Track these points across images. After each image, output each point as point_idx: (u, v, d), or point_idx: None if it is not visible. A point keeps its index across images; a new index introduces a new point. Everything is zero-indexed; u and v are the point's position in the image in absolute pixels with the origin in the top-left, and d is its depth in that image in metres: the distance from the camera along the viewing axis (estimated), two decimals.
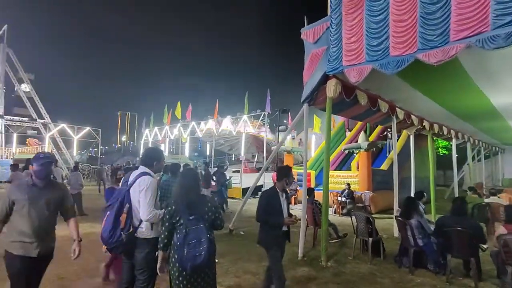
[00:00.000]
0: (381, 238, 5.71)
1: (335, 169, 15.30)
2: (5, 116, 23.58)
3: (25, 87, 26.35)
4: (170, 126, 21.34)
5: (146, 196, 2.66)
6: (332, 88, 5.33)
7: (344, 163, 16.42)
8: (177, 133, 21.34)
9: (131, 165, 12.93)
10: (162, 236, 2.58)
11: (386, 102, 7.05)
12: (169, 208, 2.58)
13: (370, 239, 5.46)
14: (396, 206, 7.31)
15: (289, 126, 14.89)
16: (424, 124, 9.31)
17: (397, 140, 15.77)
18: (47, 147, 23.84)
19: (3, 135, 23.09)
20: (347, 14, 5.06)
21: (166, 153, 22.70)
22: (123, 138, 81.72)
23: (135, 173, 2.81)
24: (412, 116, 8.50)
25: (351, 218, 5.95)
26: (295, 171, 15.31)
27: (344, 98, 5.82)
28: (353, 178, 12.40)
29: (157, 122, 23.82)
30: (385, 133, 16.55)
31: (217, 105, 18.21)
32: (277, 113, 12.17)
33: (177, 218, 2.53)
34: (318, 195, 9.50)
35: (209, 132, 18.96)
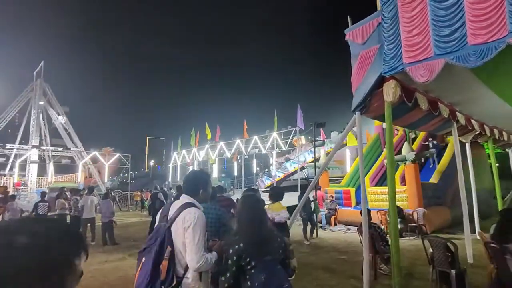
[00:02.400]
0: (465, 270, 4.65)
1: (375, 185, 14.12)
2: (41, 147, 24.65)
3: (61, 119, 27.54)
4: (198, 148, 21.16)
5: (193, 236, 1.99)
6: (391, 91, 4.56)
7: (385, 178, 15.16)
8: (205, 155, 21.07)
9: (159, 190, 12.55)
10: (226, 285, 1.96)
11: (446, 105, 6.12)
12: (236, 247, 1.98)
13: (453, 271, 4.43)
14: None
15: (322, 140, 14.08)
16: (484, 129, 8.17)
17: (444, 149, 14.56)
18: (80, 175, 24.41)
19: (39, 165, 24.05)
20: (404, 5, 4.35)
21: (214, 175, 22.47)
22: (151, 163, 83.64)
23: (176, 205, 2.16)
24: (472, 121, 7.44)
25: (423, 243, 4.95)
26: (331, 189, 14.27)
27: (402, 102, 5.01)
28: (400, 194, 11.21)
29: (184, 145, 23.83)
30: (427, 143, 15.24)
31: (245, 124, 17.82)
32: (311, 127, 11.39)
33: (247, 260, 1.96)
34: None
35: (238, 152, 18.51)
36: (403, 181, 12.23)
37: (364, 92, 4.88)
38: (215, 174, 24.97)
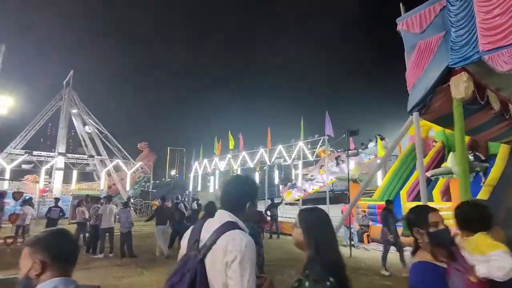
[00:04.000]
0: None
1: (413, 200, 12.93)
2: (66, 154, 25.15)
3: (87, 128, 28.13)
4: (220, 157, 20.67)
5: (241, 275, 1.29)
6: (462, 86, 3.76)
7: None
8: (227, 165, 20.54)
9: (179, 200, 12.00)
10: None
11: None
12: (328, 284, 1.39)
13: None
14: None
15: (355, 150, 13.13)
16: None
17: (485, 161, 13.18)
18: (103, 183, 24.57)
19: (64, 172, 24.49)
20: None
21: (216, 185, 21.90)
22: (172, 173, 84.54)
23: (211, 225, 1.45)
24: None
25: None
26: (363, 203, 13.20)
27: (467, 103, 4.17)
28: (445, 211, 10.02)
29: (206, 154, 23.46)
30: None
31: (268, 133, 17.17)
32: (343, 135, 10.53)
33: None
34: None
35: (261, 162, 17.86)
36: (444, 195, 11.06)
37: (425, 89, 4.10)
38: None
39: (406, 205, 11.28)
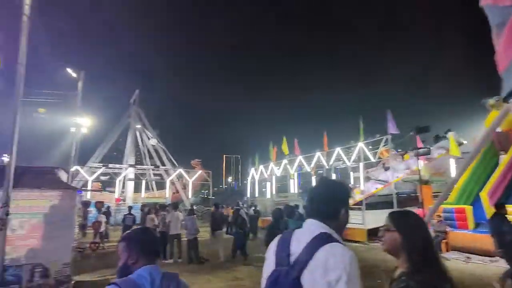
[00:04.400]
0: None
1: (496, 203, 11.22)
2: (135, 166, 27.61)
3: (152, 141, 30.51)
4: (276, 162, 20.64)
5: None
6: None
7: (509, 194, 12.03)
8: (283, 170, 20.40)
9: (240, 207, 12.17)
10: None
11: None
12: None
13: None
14: None
15: (427, 148, 11.87)
16: None
17: None
18: (168, 191, 26.33)
19: (134, 182, 26.92)
20: None
21: (273, 191, 21.85)
22: (229, 179, 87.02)
23: (301, 237, 1.29)
24: None
25: None
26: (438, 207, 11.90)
27: None
28: None
29: (262, 160, 23.62)
30: None
31: (325, 136, 16.64)
32: (411, 133, 9.61)
33: None
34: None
35: (318, 166, 17.35)
36: None
37: None
38: (293, 190, 24.03)
39: (491, 209, 9.84)
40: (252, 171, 24.70)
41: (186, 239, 9.33)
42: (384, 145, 13.73)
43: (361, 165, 14.28)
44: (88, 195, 18.81)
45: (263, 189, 26.91)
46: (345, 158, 15.54)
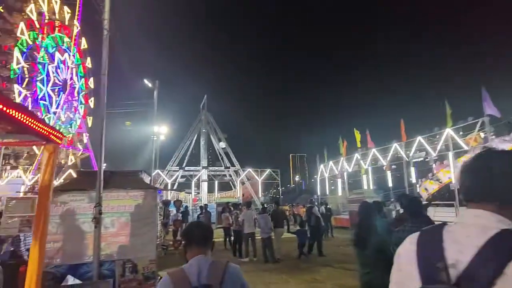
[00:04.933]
0: None
1: None
2: (208, 167, 29.17)
3: (221, 144, 31.87)
4: (347, 158, 19.42)
5: None
6: None
7: None
8: (355, 165, 19.06)
9: (313, 204, 11.61)
10: None
11: None
12: None
13: None
14: None
15: None
16: None
17: None
18: (239, 190, 27.10)
19: (208, 183, 28.46)
20: None
21: (345, 188, 20.63)
22: (296, 178, 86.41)
23: (465, 236, 0.81)
24: None
25: None
26: None
27: None
28: None
29: (331, 156, 22.57)
30: None
31: (402, 125, 14.92)
32: None
33: None
34: None
35: (397, 158, 15.68)
36: None
37: None
38: (366, 186, 22.37)
39: None
40: (321, 168, 23.77)
41: (260, 237, 9.24)
42: (480, 130, 11.57)
43: (451, 155, 12.29)
44: (168, 196, 20.48)
45: (332, 187, 25.80)
46: (429, 148, 13.63)
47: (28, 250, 6.19)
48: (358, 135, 17.41)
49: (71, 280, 5.37)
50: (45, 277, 4.59)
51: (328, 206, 15.12)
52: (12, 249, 5.94)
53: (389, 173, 25.16)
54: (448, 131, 12.46)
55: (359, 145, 17.37)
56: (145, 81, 13.30)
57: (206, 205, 14.07)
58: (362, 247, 3.46)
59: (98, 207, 5.66)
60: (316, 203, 15.79)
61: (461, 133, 12.92)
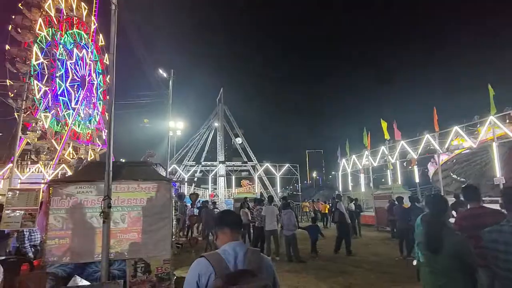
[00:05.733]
0: None
1: None
2: (226, 162, 28.62)
3: (239, 140, 31.28)
4: (371, 151, 18.24)
5: None
6: None
7: None
8: (381, 158, 17.87)
9: (338, 199, 10.71)
10: None
11: None
12: None
13: None
14: None
15: None
16: None
17: None
18: (256, 186, 26.42)
19: (225, 178, 27.93)
20: None
21: (370, 184, 19.48)
22: (314, 174, 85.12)
23: None
24: None
25: None
26: None
27: None
28: None
29: (353, 149, 21.39)
30: None
31: (435, 113, 13.66)
32: None
33: None
34: None
35: (429, 151, 14.44)
36: None
37: None
38: (389, 181, 21.11)
39: None
40: (342, 162, 22.64)
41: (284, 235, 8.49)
42: None
43: (495, 146, 10.98)
44: (185, 191, 20.05)
45: (351, 184, 24.73)
46: (468, 138, 12.31)
47: (34, 246, 5.72)
48: (385, 125, 16.15)
49: (77, 280, 4.81)
50: (45, 278, 4.05)
51: (357, 203, 14.09)
52: (17, 245, 5.49)
53: (416, 168, 23.75)
54: (492, 119, 11.16)
55: (386, 136, 16.13)
56: (160, 70, 12.73)
57: (206, 201, 11.63)
58: (434, 250, 2.64)
59: (107, 200, 5.06)
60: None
61: (507, 121, 11.55)
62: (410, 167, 23.27)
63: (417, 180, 23.81)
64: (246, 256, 1.52)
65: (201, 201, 13.68)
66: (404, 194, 15.16)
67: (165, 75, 12.80)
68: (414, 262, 3.92)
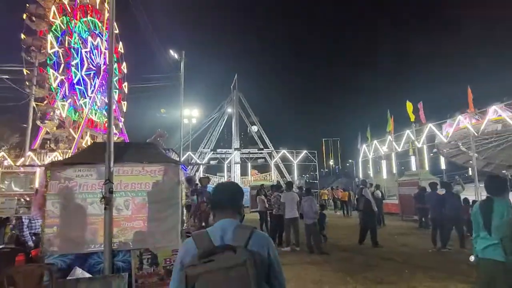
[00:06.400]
0: None
1: None
2: (241, 149, 28.07)
3: (255, 128, 30.60)
4: (395, 135, 17.09)
5: None
6: None
7: None
8: (406, 143, 16.73)
9: (365, 186, 9.84)
10: None
11: None
12: None
13: None
14: None
15: None
16: None
17: None
18: (273, 173, 25.78)
19: (240, 165, 27.42)
20: None
21: (394, 171, 18.41)
22: (330, 162, 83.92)
23: None
24: None
25: None
26: None
27: None
28: None
29: (375, 135, 20.24)
30: None
31: (469, 92, 12.38)
32: None
33: None
34: None
35: (463, 134, 13.23)
36: None
37: None
38: (413, 167, 19.95)
39: None
40: (363, 148, 21.56)
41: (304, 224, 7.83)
42: None
43: None
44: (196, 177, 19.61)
45: (368, 172, 23.70)
46: (508, 118, 11.03)
47: (35, 234, 5.32)
48: (410, 106, 14.86)
49: (78, 272, 4.35)
50: (38, 272, 3.58)
51: (380, 189, 13.13)
52: (17, 233, 5.11)
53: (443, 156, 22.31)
54: None
55: (412, 118, 14.89)
56: (171, 52, 12.11)
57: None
58: None
59: (109, 184, 4.54)
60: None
61: None
62: (433, 153, 21.90)
63: (443, 166, 22.41)
64: (234, 232, 1.42)
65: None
66: (433, 181, 14.11)
67: (176, 56, 12.18)
68: (472, 258, 3.18)
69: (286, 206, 7.67)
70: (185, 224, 5.72)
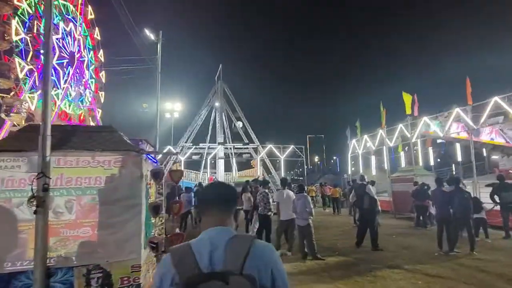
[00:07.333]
0: None
1: None
2: (225, 144, 26.86)
3: (239, 124, 29.46)
4: (387, 129, 16.38)
5: None
6: None
7: None
8: (398, 138, 16.07)
9: (366, 182, 8.89)
10: None
11: None
12: None
13: None
14: None
15: None
16: None
17: None
18: (259, 169, 24.75)
19: (224, 161, 26.24)
20: None
21: (386, 167, 17.76)
22: (316, 159, 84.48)
23: None
24: None
25: None
26: None
27: None
28: None
29: (365, 129, 19.54)
30: None
31: (468, 85, 11.70)
32: None
33: None
34: None
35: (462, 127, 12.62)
36: None
37: None
38: (403, 163, 19.43)
39: None
40: (352, 143, 20.85)
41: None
42: None
43: None
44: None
45: (352, 168, 23.13)
46: (510, 109, 10.44)
47: None
48: (408, 98, 14.09)
49: None
50: None
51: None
52: None
53: (430, 150, 21.94)
54: None
55: (408, 110, 14.15)
56: (146, 31, 10.77)
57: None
58: None
59: (43, 178, 3.35)
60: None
61: None
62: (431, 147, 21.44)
63: (431, 163, 22.14)
64: (227, 247, 1.05)
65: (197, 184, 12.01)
66: (427, 177, 13.47)
67: (152, 37, 10.84)
68: None
69: (281, 207, 6.62)
70: (153, 230, 4.54)
